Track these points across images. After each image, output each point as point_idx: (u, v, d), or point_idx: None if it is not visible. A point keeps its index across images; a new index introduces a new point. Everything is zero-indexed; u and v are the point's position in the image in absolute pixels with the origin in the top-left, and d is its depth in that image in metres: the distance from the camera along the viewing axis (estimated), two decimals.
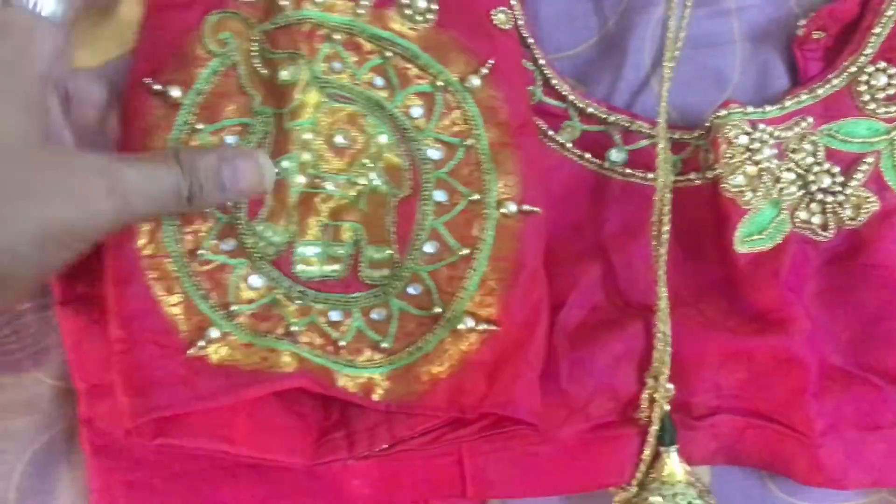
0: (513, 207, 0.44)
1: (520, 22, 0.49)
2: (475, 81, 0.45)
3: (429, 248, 0.44)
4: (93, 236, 0.37)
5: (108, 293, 0.41)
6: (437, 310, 0.43)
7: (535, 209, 0.44)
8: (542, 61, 0.49)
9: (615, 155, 0.49)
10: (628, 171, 0.49)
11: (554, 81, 0.49)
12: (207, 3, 0.44)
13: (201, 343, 0.41)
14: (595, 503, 0.48)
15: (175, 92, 0.43)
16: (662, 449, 0.45)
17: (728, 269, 0.46)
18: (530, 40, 0.49)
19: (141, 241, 0.42)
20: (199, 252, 0.42)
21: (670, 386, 0.45)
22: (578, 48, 0.51)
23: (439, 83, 0.45)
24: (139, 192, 0.37)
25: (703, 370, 0.46)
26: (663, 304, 0.45)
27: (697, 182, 0.48)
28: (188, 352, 0.41)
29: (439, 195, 0.44)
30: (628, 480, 0.46)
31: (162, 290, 0.42)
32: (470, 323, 0.43)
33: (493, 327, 0.43)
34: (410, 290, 0.44)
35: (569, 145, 0.49)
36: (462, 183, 0.44)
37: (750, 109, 0.47)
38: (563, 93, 0.49)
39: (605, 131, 0.49)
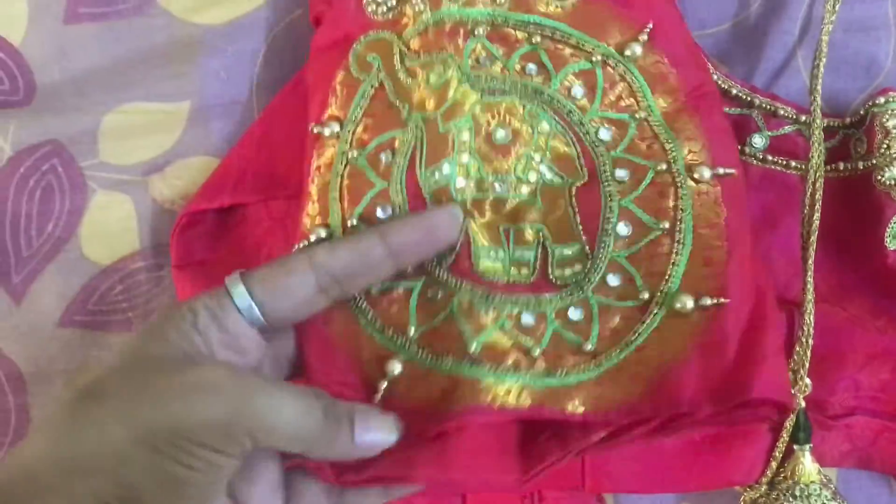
0: (706, 172, 0.39)
1: None
2: (636, 49, 0.41)
3: (623, 230, 0.39)
4: (217, 443, 0.32)
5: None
6: (645, 296, 0.38)
7: (730, 171, 0.40)
8: None
9: (758, 140, 0.46)
10: (769, 157, 0.46)
11: None
12: (349, 36, 0.43)
13: (384, 384, 0.38)
14: (713, 502, 0.47)
15: (333, 128, 0.41)
16: (796, 447, 0.43)
17: (877, 266, 0.44)
18: None
19: None
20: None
21: (808, 381, 0.43)
22: (722, 26, 0.48)
23: (597, 58, 0.41)
24: (270, 407, 0.33)
25: (844, 368, 0.44)
26: (810, 295, 0.42)
27: (846, 173, 0.46)
28: (375, 397, 0.38)
29: (621, 173, 0.40)
30: (757, 479, 0.44)
31: (337, 327, 0.39)
32: (689, 302, 0.38)
33: (722, 300, 0.37)
34: (610, 282, 0.39)
35: None
36: (644, 157, 0.40)
37: None
38: None
39: (747, 114, 0.47)
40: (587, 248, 0.39)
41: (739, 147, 0.46)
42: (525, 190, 0.40)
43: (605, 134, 0.41)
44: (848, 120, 0.46)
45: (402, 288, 0.39)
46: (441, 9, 0.42)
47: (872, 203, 0.44)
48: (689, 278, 0.38)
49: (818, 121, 0.44)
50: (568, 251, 0.39)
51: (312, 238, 0.40)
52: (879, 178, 0.44)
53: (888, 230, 0.44)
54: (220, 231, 0.47)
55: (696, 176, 0.40)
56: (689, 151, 0.40)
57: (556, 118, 0.41)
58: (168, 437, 0.32)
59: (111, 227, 0.48)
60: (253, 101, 0.48)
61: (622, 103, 0.41)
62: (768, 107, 0.46)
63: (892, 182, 0.44)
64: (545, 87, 0.41)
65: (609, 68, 0.41)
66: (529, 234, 0.39)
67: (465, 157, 0.40)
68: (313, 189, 0.41)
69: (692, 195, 0.39)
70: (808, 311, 0.42)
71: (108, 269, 0.47)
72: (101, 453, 0.31)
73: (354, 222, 0.40)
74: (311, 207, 0.41)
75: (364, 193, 0.40)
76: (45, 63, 0.48)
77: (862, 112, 0.45)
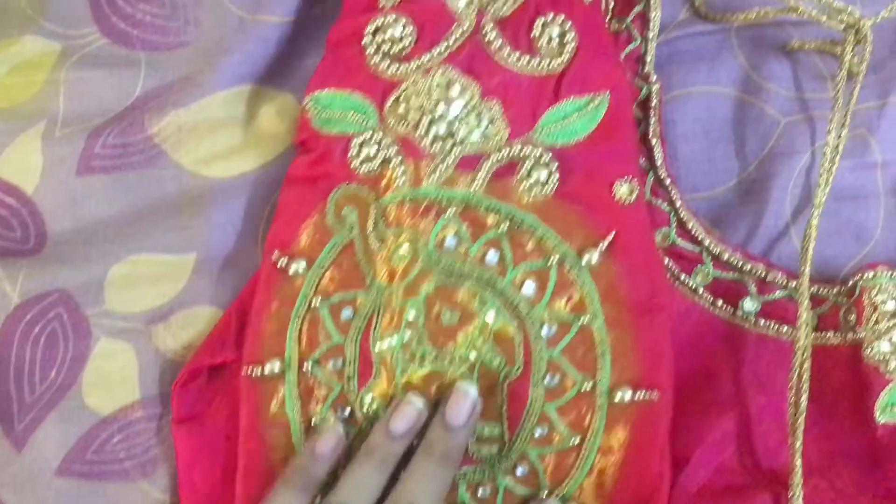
0: (627, 395, 0.43)
1: (658, 161, 0.48)
2: (594, 256, 0.44)
3: (539, 431, 0.43)
4: None
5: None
6: (545, 492, 0.43)
7: (652, 395, 0.43)
8: (678, 202, 0.48)
9: (749, 304, 0.47)
10: (762, 322, 0.47)
11: (689, 224, 0.48)
12: (331, 179, 0.45)
13: None
14: None
15: (299, 267, 0.45)
16: None
17: (866, 439, 0.45)
18: (667, 180, 0.48)
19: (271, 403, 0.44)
20: (315, 420, 0.44)
21: None
22: (716, 190, 0.50)
23: (554, 259, 0.44)
24: None
25: None
26: (797, 479, 0.43)
27: (835, 342, 0.46)
28: None
29: (551, 379, 0.44)
30: None
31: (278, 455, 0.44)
32: None
33: None
34: (518, 470, 0.43)
35: (700, 290, 0.48)
36: (575, 365, 0.44)
37: None
38: (698, 236, 0.48)
39: (739, 279, 0.48)
40: (507, 434, 0.43)
41: (732, 310, 0.48)
42: (464, 367, 0.43)
43: (547, 331, 0.44)
44: (837, 289, 0.47)
45: None
46: (420, 188, 0.44)
47: (862, 375, 0.45)
48: (582, 488, 0.43)
49: (806, 297, 0.45)
50: (489, 430, 0.44)
51: (267, 368, 0.44)
52: (868, 352, 0.45)
53: (877, 403, 0.44)
54: (217, 382, 0.48)
55: (616, 399, 0.43)
56: (620, 369, 0.43)
57: (505, 308, 0.44)
58: None
59: (113, 376, 0.48)
60: (258, 253, 0.49)
61: (570, 305, 0.44)
62: (760, 272, 0.48)
63: (881, 357, 0.44)
64: (499, 279, 0.44)
65: (564, 271, 0.44)
66: None
67: (409, 334, 0.44)
68: (269, 321, 0.45)
69: (606, 417, 0.43)
70: (796, 496, 0.43)
71: (108, 418, 0.48)
72: None
73: (309, 366, 0.44)
74: (266, 340, 0.45)
75: (321, 343, 0.45)
76: (56, 212, 0.49)
77: (851, 283, 0.46)
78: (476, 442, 0.43)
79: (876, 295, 0.45)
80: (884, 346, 0.44)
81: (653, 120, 0.48)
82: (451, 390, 0.43)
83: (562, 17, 0.45)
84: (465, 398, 0.42)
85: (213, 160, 0.49)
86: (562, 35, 0.45)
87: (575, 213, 0.44)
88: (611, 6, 0.50)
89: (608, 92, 0.45)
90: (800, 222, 0.48)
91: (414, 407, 0.43)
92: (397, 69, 0.45)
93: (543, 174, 0.44)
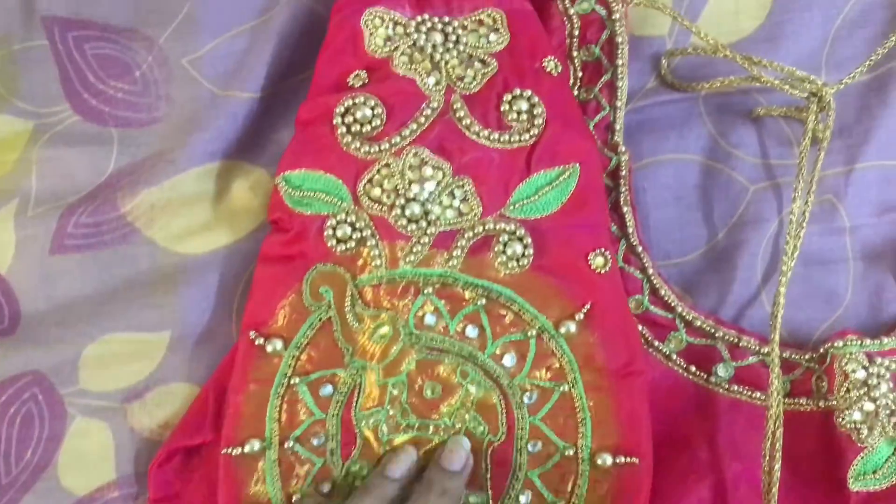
0: (608, 460, 0.44)
1: (630, 229, 0.49)
2: (571, 327, 0.44)
3: (524, 498, 0.44)
4: None
5: None
6: None
7: (632, 460, 0.44)
8: (650, 270, 0.48)
9: (722, 370, 0.48)
10: (735, 387, 0.48)
11: (662, 291, 0.48)
12: (307, 258, 0.45)
13: None
14: None
15: (276, 346, 0.45)
16: None
17: None
18: (639, 248, 0.49)
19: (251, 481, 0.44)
20: (295, 498, 0.44)
21: None
22: (687, 257, 0.50)
23: (533, 331, 0.44)
24: None
25: None
26: None
27: (808, 408, 0.47)
28: None
29: (534, 446, 0.44)
30: None
31: None
32: None
33: None
34: None
35: (674, 356, 0.48)
36: (557, 432, 0.44)
37: (867, 342, 0.46)
38: (671, 303, 0.48)
39: (712, 345, 0.48)
40: (491, 501, 0.44)
41: (705, 377, 0.48)
42: (448, 434, 0.44)
43: (528, 398, 0.44)
44: (808, 355, 0.47)
45: None
46: (397, 269, 0.45)
47: (835, 442, 0.45)
48: None
49: (776, 366, 0.45)
50: (474, 499, 0.44)
51: (246, 448, 0.44)
52: (840, 420, 0.45)
53: (850, 471, 0.45)
54: (195, 460, 0.48)
55: (598, 462, 0.44)
56: (599, 436, 0.44)
57: (487, 379, 0.44)
58: None
59: (89, 456, 0.48)
60: (233, 328, 0.49)
61: (550, 374, 0.45)
62: (732, 338, 0.48)
63: (853, 426, 0.45)
64: (479, 353, 0.45)
65: (543, 342, 0.45)
66: None
67: (394, 410, 0.44)
68: (247, 401, 0.45)
69: (588, 482, 0.44)
70: None
71: (84, 499, 0.48)
72: None
73: (291, 444, 0.44)
74: (244, 420, 0.45)
75: (302, 420, 0.45)
76: (30, 292, 0.49)
77: (822, 350, 0.47)
78: None
79: (846, 364, 0.45)
80: (855, 415, 0.45)
81: (623, 189, 0.49)
82: (445, 444, 0.44)
83: (529, 91, 0.46)
84: (460, 447, 0.43)
85: (187, 236, 0.49)
86: (530, 109, 0.46)
87: (551, 285, 0.45)
88: (579, 76, 0.51)
89: (578, 164, 0.46)
90: (770, 287, 0.49)
91: (409, 454, 0.44)
92: (369, 149, 0.45)
93: (518, 248, 0.45)
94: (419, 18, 0.46)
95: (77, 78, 0.51)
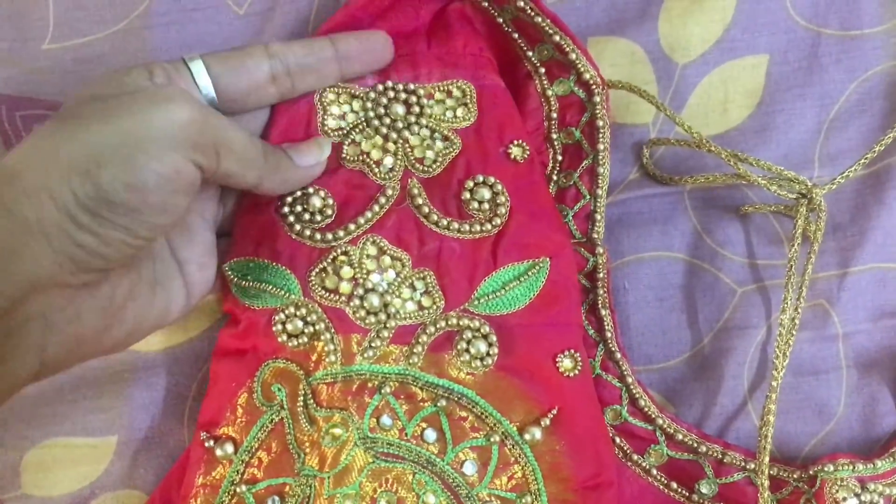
0: None
1: (608, 334, 0.46)
2: (536, 434, 0.41)
3: None
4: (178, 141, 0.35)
5: None
6: None
7: None
8: (629, 378, 0.45)
9: (705, 488, 0.45)
10: None
11: (642, 402, 0.45)
12: (258, 353, 0.42)
13: None
14: None
15: (226, 450, 0.42)
16: None
17: None
18: (618, 354, 0.46)
19: None
20: None
21: None
22: (669, 362, 0.47)
23: (496, 436, 0.41)
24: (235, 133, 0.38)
25: None
26: None
27: None
28: None
29: None
30: None
31: None
32: None
33: None
34: None
35: (654, 471, 0.45)
36: None
37: (860, 466, 0.42)
38: (651, 415, 0.45)
39: (694, 460, 0.45)
40: None
41: (687, 494, 0.45)
42: None
43: None
44: (798, 473, 0.44)
45: None
46: (353, 365, 0.41)
47: None
48: None
49: (766, 488, 0.42)
50: None
51: None
52: None
53: None
54: None
55: None
56: None
57: (445, 489, 0.41)
58: (142, 142, 0.34)
59: None
60: (184, 433, 0.46)
61: (512, 483, 0.41)
62: (716, 453, 0.45)
63: None
64: (438, 459, 0.41)
65: (506, 448, 0.41)
66: None
67: None
68: None
69: None
70: None
71: None
72: (80, 155, 0.33)
73: None
74: None
75: None
76: None
77: (812, 472, 0.43)
78: None
79: (837, 491, 0.42)
80: None
81: (601, 291, 0.46)
82: None
83: (492, 178, 0.43)
84: None
85: None
86: (493, 197, 0.43)
87: (516, 387, 0.42)
88: (559, 159, 0.48)
89: (548, 258, 0.43)
90: (758, 399, 0.46)
91: None
92: (321, 238, 0.42)
93: (482, 347, 0.41)
94: (380, 87, 0.43)
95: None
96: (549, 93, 0.47)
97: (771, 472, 0.44)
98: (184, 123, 0.35)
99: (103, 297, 0.37)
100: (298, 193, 0.42)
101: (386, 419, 0.41)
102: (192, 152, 0.36)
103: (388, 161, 0.42)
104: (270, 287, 0.42)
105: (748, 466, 0.45)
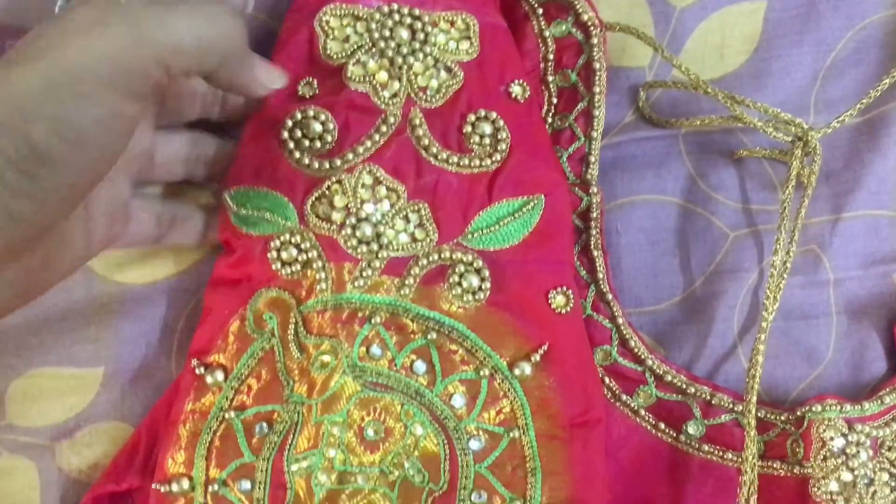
0: None
1: (600, 275, 0.46)
2: (526, 369, 0.41)
3: None
4: (134, 84, 0.31)
5: None
6: None
7: None
8: (620, 319, 0.45)
9: (693, 428, 0.45)
10: (706, 447, 0.45)
11: (632, 342, 0.45)
12: (252, 281, 0.42)
13: None
14: None
15: (216, 377, 0.42)
16: None
17: None
18: (609, 295, 0.46)
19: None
20: None
21: None
22: (660, 305, 0.47)
23: (486, 370, 0.41)
24: (177, 45, 0.32)
25: None
26: None
27: (782, 472, 0.44)
28: None
29: (478, 497, 0.40)
30: None
31: None
32: None
33: None
34: None
35: (643, 412, 0.45)
36: (504, 482, 0.41)
37: (847, 407, 0.43)
38: (641, 355, 0.45)
39: (683, 401, 0.45)
40: None
41: (675, 434, 0.45)
42: (385, 483, 0.40)
43: (475, 444, 0.41)
44: (785, 416, 0.44)
45: None
46: (343, 293, 0.41)
47: None
48: None
49: (752, 427, 0.42)
50: None
51: (174, 486, 0.41)
52: (816, 489, 0.42)
53: None
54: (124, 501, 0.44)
55: None
56: (550, 488, 0.41)
57: (433, 421, 0.41)
58: (71, 83, 0.30)
59: (14, 497, 0.45)
60: (172, 366, 0.46)
61: (500, 417, 0.41)
62: (705, 395, 0.45)
63: (828, 497, 0.42)
64: (427, 391, 0.41)
65: (495, 383, 0.41)
66: None
67: (331, 452, 0.41)
68: (183, 432, 0.42)
69: None
70: None
71: None
72: (5, 112, 0.30)
73: (216, 488, 0.41)
74: (178, 453, 0.42)
75: (231, 460, 0.41)
76: None
77: (799, 413, 0.44)
78: None
79: (824, 431, 0.42)
80: (832, 485, 0.42)
81: (594, 232, 0.46)
82: None
83: (494, 114, 0.42)
84: None
85: (127, 265, 0.46)
86: (494, 133, 0.42)
87: (507, 322, 0.42)
88: (554, 102, 0.47)
89: (543, 196, 0.42)
90: (747, 342, 0.46)
91: None
92: (319, 166, 0.41)
93: (475, 281, 0.41)
94: (385, 9, 0.42)
95: None
96: (547, 34, 0.47)
97: (758, 414, 0.44)
98: (114, 53, 0.31)
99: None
100: (299, 117, 0.42)
101: (375, 349, 0.41)
102: (131, 84, 0.31)
103: (395, 85, 0.42)
104: (268, 214, 0.42)
105: (736, 408, 0.45)
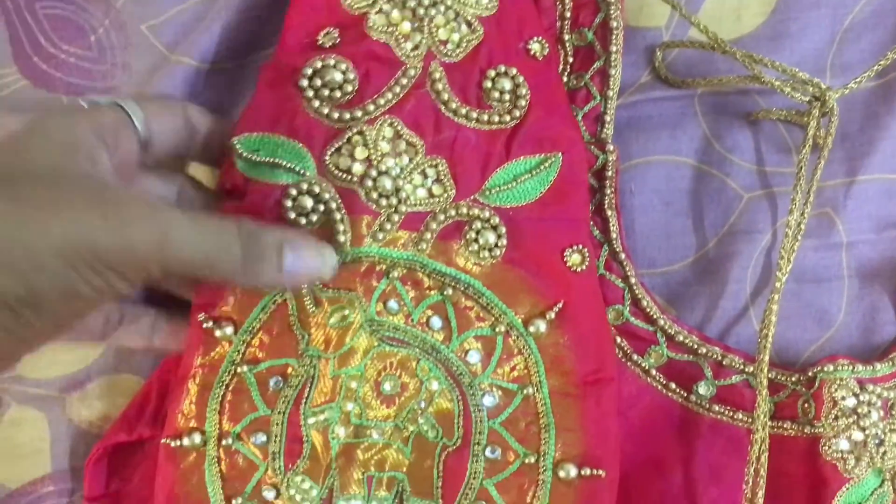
0: (572, 471, 0.40)
1: (613, 235, 0.46)
2: (541, 326, 0.41)
3: None
4: (126, 268, 0.34)
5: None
6: None
7: (597, 472, 0.40)
8: (632, 279, 0.45)
9: (703, 389, 0.45)
10: (716, 407, 0.45)
11: (644, 302, 0.45)
12: None
13: None
14: None
15: (226, 331, 0.41)
16: None
17: None
18: (622, 255, 0.46)
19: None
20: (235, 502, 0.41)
21: None
22: (673, 266, 0.47)
23: (501, 327, 0.41)
24: (186, 238, 0.35)
25: None
26: None
27: (792, 432, 0.44)
28: None
29: (492, 452, 0.41)
30: None
31: None
32: None
33: None
34: None
35: (654, 372, 0.45)
36: (517, 438, 0.41)
37: (859, 367, 0.43)
38: (653, 315, 0.45)
39: (694, 361, 0.45)
40: None
41: (685, 395, 0.45)
42: (399, 438, 0.40)
43: (489, 400, 0.41)
44: (795, 376, 0.44)
45: None
46: (361, 247, 0.41)
47: (819, 471, 0.43)
48: None
49: (764, 387, 0.42)
50: None
51: (186, 440, 0.41)
52: (826, 448, 0.42)
53: (834, 502, 0.42)
54: (137, 456, 0.44)
55: (560, 474, 0.40)
56: (563, 444, 0.41)
57: (448, 377, 0.41)
58: (86, 258, 0.32)
59: (23, 447, 0.45)
60: None
61: (514, 374, 0.41)
62: (716, 356, 0.45)
63: (839, 455, 0.42)
64: (443, 346, 0.41)
65: (510, 340, 0.41)
66: (389, 482, 0.40)
67: (348, 405, 0.41)
68: (192, 387, 0.41)
69: (549, 493, 0.40)
70: None
71: (16, 492, 0.45)
72: (15, 255, 0.31)
73: (230, 441, 0.41)
74: (188, 407, 0.41)
75: (245, 414, 0.41)
76: None
77: (811, 373, 0.44)
78: None
79: (836, 390, 0.43)
80: (842, 444, 0.42)
81: (609, 191, 0.46)
82: None
83: (514, 70, 0.42)
84: None
85: None
86: (514, 89, 0.42)
87: (523, 279, 0.42)
88: (570, 61, 0.47)
89: (561, 153, 0.42)
90: (759, 304, 0.46)
91: None
92: (339, 116, 0.41)
93: (491, 237, 0.41)
94: None
95: (27, 39, 0.47)
96: None
97: (769, 376, 0.45)
98: (85, 238, 0.32)
99: None
100: (319, 65, 0.41)
101: (393, 304, 0.41)
102: (93, 273, 0.33)
103: (416, 37, 0.41)
104: (285, 163, 0.41)
105: (747, 369, 0.45)
